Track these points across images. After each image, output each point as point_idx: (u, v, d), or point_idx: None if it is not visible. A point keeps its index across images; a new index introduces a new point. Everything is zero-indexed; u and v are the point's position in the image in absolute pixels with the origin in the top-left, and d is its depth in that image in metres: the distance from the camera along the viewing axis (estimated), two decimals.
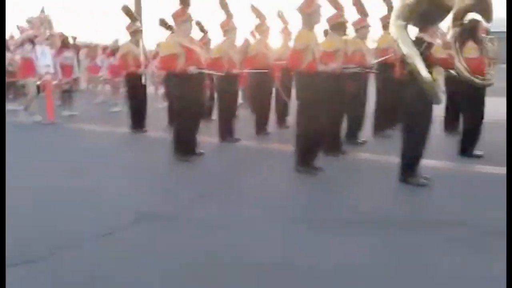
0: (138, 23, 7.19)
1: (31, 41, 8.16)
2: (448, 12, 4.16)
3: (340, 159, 5.39)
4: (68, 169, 5.02)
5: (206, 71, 5.52)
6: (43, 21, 8.54)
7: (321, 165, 4.80)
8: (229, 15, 6.25)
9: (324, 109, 4.65)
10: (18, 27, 9.28)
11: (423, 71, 3.95)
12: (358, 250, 2.90)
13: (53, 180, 4.60)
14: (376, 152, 5.74)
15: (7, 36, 9.92)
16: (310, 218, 3.57)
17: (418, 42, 4.07)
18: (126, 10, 7.14)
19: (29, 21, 8.42)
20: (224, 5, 6.23)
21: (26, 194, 4.04)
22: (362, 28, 5.96)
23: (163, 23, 6.66)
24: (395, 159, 4.42)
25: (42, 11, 8.66)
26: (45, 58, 8.07)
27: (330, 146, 5.36)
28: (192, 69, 5.15)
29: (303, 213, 3.72)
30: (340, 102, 5.30)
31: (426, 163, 4.42)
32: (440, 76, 4.24)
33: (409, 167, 4.27)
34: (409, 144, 4.25)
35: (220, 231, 3.29)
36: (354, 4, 5.86)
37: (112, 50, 10.96)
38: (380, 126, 6.71)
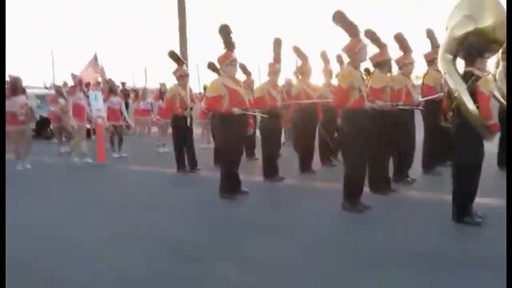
0: (184, 67, 7.47)
1: (85, 86, 8.73)
2: (496, 44, 4.06)
3: (389, 198, 5.24)
4: (118, 207, 5.20)
5: (249, 113, 5.62)
6: (96, 68, 9.08)
7: (369, 203, 4.71)
8: (277, 59, 6.44)
9: (371, 146, 4.59)
10: (72, 75, 9.91)
11: (470, 105, 3.85)
12: None
13: (102, 217, 4.78)
14: (426, 190, 5.57)
15: (61, 83, 10.63)
16: (356, 257, 3.47)
17: (466, 76, 3.99)
18: (172, 55, 7.45)
19: (86, 69, 8.97)
20: (277, 49, 6.46)
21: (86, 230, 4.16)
22: (406, 64, 5.91)
23: (211, 66, 6.93)
24: (446, 197, 4.25)
25: (95, 57, 9.20)
26: (97, 103, 8.51)
27: (379, 184, 5.25)
28: (236, 110, 5.27)
29: (350, 251, 3.61)
30: (388, 139, 5.21)
31: (480, 200, 4.22)
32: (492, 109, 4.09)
33: (462, 206, 4.10)
34: (461, 183, 4.10)
35: (268, 269, 3.25)
36: (397, 40, 5.85)
37: (160, 93, 11.42)
38: (430, 163, 6.50)
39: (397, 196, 5.34)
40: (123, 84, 14.41)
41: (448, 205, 4.19)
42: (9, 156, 7.98)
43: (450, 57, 4.03)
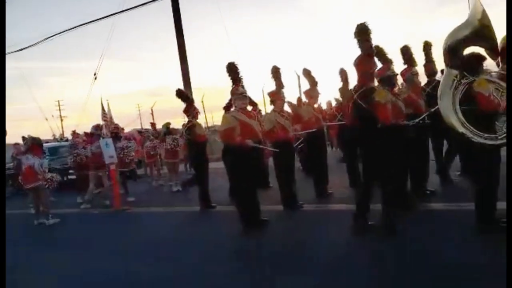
0: (194, 105, 7.63)
1: (99, 136, 8.88)
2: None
3: (410, 213, 5.21)
4: (143, 250, 5.24)
5: (262, 146, 5.70)
6: (105, 117, 9.23)
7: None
8: (280, 85, 6.50)
9: (387, 161, 4.58)
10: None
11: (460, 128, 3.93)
12: None
13: (128, 262, 4.78)
14: (447, 201, 5.55)
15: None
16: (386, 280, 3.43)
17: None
18: (180, 94, 7.56)
19: (105, 119, 9.13)
20: (277, 76, 6.50)
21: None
22: (414, 76, 5.99)
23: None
24: (467, 206, 4.24)
25: (103, 106, 9.35)
26: (109, 150, 8.60)
27: (399, 201, 5.23)
28: (250, 142, 5.35)
29: (380, 275, 3.58)
30: (403, 153, 5.21)
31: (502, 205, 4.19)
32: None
33: (485, 215, 4.08)
34: (481, 193, 4.09)
35: None
36: (403, 53, 5.96)
37: (164, 135, 11.49)
38: (445, 173, 6.51)
39: (418, 210, 5.34)
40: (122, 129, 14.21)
41: (469, 214, 4.18)
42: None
43: (455, 72, 4.11)
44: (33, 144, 8.04)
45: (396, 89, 5.49)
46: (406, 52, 6.05)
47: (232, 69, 5.70)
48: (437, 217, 5.09)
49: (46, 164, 8.34)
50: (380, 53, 5.22)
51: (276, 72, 6.50)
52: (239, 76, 5.69)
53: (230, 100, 5.78)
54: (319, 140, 7.04)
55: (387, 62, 5.21)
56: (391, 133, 4.68)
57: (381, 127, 4.47)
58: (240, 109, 5.58)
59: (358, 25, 4.50)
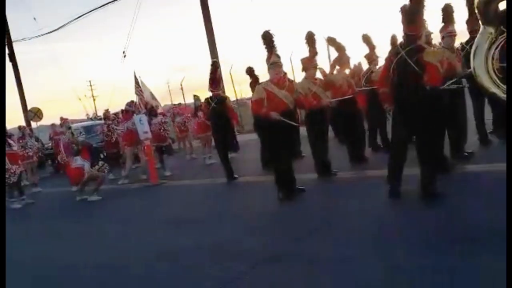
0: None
1: (133, 112, 9.09)
2: None
3: (449, 176, 5.14)
4: (183, 221, 5.41)
5: (284, 120, 5.46)
6: (142, 91, 9.38)
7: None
8: (313, 52, 6.38)
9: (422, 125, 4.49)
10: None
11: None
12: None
13: (170, 231, 4.95)
14: (484, 162, 5.45)
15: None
16: (425, 241, 3.44)
17: None
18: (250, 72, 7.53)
19: (139, 94, 9.30)
20: (311, 42, 6.36)
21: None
22: (449, 36, 5.79)
23: (250, 71, 7.06)
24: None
25: (144, 84, 9.51)
26: (143, 126, 8.78)
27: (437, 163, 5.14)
28: (274, 115, 5.33)
29: (417, 235, 3.59)
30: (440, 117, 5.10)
31: None
32: None
33: None
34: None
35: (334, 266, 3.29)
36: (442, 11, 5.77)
37: (195, 108, 11.59)
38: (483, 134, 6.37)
39: (458, 172, 5.26)
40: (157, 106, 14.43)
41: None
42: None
43: (490, 29, 3.90)
44: (84, 147, 8.50)
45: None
46: (445, 10, 5.80)
47: (266, 37, 5.58)
48: (476, 179, 5.00)
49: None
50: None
51: (310, 38, 6.35)
52: (273, 44, 5.54)
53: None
54: (353, 105, 6.97)
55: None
56: (432, 95, 4.55)
57: (430, 88, 4.31)
58: (273, 79, 5.54)
59: None
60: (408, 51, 4.36)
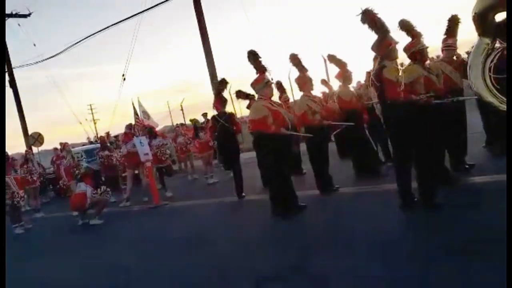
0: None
1: (133, 135, 9.13)
2: None
3: (449, 188, 5.12)
4: (186, 242, 5.36)
5: (296, 133, 5.76)
6: (140, 118, 9.44)
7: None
8: (303, 70, 6.43)
9: (422, 138, 4.52)
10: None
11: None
12: None
13: (173, 253, 4.91)
14: (486, 174, 5.42)
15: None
16: (429, 250, 3.41)
17: None
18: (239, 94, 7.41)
19: (137, 121, 9.37)
20: (296, 62, 6.43)
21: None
22: (447, 49, 5.86)
23: (240, 94, 7.05)
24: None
25: (140, 105, 9.57)
26: (143, 148, 8.80)
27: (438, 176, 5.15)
28: (284, 131, 5.39)
29: (421, 246, 3.56)
30: (439, 129, 5.11)
31: None
32: None
33: None
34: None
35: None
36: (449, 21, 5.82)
37: (195, 129, 11.68)
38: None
39: (457, 185, 5.24)
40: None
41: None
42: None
43: (486, 40, 3.94)
44: (86, 174, 8.58)
45: (428, 63, 5.38)
46: (450, 21, 5.84)
47: (253, 57, 5.60)
48: (479, 190, 4.98)
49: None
50: (408, 27, 5.10)
51: (294, 59, 6.42)
52: (262, 64, 5.59)
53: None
54: (359, 119, 7.01)
55: (415, 35, 5.09)
56: (416, 109, 4.58)
57: (390, 103, 4.52)
58: (267, 97, 5.59)
59: (362, 11, 4.48)
60: (376, 70, 4.68)
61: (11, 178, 8.66)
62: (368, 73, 7.38)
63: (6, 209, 8.36)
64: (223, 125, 7.58)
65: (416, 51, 5.14)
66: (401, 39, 4.88)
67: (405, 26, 5.07)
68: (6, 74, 21.25)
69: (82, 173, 8.63)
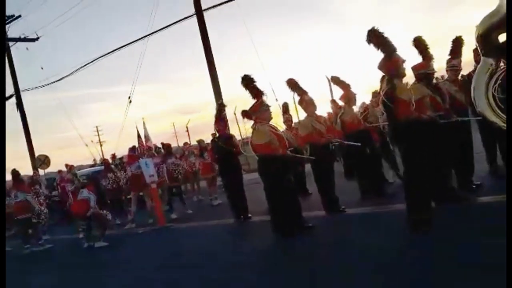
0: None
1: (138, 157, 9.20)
2: None
3: (456, 207, 5.06)
4: (192, 263, 5.35)
5: (301, 156, 5.90)
6: (143, 142, 9.56)
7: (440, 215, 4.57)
8: (302, 93, 6.47)
9: (429, 157, 4.50)
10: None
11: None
12: None
13: (177, 274, 4.86)
14: (493, 194, 5.33)
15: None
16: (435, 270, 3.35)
17: None
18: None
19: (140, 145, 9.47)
20: (294, 86, 6.45)
21: None
22: (451, 70, 5.88)
23: (246, 114, 7.09)
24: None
25: (145, 128, 9.69)
26: (149, 169, 8.82)
27: (443, 194, 5.11)
28: (290, 154, 5.48)
29: (428, 265, 3.50)
30: (445, 148, 5.11)
31: None
32: None
33: None
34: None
35: None
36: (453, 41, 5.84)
37: (200, 149, 11.72)
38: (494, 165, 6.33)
39: (465, 204, 5.17)
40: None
41: None
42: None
43: (490, 60, 3.96)
44: (90, 182, 8.76)
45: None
46: (454, 42, 5.86)
47: (248, 82, 5.65)
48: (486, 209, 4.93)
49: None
50: (422, 47, 5.13)
51: (291, 83, 6.44)
52: (258, 88, 5.67)
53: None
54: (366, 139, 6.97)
55: (427, 57, 5.11)
56: (423, 128, 4.58)
57: (405, 122, 4.50)
58: (267, 121, 5.69)
59: (368, 31, 4.50)
60: (386, 90, 4.60)
61: (31, 196, 8.81)
62: (375, 93, 7.43)
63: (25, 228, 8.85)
64: (222, 147, 7.67)
65: (422, 74, 5.19)
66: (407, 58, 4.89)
67: (420, 45, 5.11)
68: (14, 97, 21.50)
69: (84, 183, 8.59)
